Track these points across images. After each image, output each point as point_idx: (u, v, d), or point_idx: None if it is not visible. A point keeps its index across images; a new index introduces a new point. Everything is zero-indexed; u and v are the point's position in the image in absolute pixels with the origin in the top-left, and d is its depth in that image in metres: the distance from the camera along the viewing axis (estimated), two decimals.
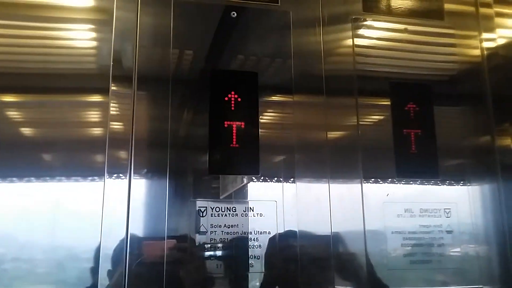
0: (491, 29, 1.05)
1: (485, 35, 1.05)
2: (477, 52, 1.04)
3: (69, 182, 0.77)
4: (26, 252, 0.74)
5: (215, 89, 0.87)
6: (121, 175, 0.79)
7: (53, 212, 0.75)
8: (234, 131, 0.85)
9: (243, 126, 0.86)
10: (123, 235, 0.76)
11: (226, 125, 0.85)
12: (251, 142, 0.86)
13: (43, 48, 0.83)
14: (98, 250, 0.75)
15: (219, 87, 0.87)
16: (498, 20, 1.06)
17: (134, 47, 0.84)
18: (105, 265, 0.75)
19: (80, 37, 0.85)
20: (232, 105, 0.87)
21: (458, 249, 0.91)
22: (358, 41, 0.97)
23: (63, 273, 0.74)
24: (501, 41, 1.04)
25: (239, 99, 0.87)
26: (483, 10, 1.06)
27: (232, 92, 0.87)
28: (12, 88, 0.80)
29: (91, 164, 0.79)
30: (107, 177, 0.78)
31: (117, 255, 0.76)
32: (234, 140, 0.85)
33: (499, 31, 1.05)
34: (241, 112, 0.87)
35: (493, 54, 1.03)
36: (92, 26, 0.86)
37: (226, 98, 0.87)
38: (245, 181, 0.85)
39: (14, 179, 0.76)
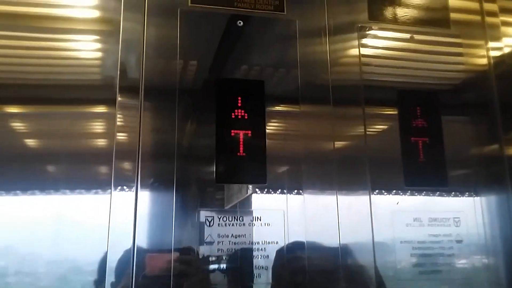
0: (497, 38, 1.05)
1: (491, 44, 1.04)
2: (483, 61, 1.04)
3: (74, 194, 0.77)
4: (28, 265, 0.73)
5: (221, 97, 0.86)
6: (127, 186, 0.78)
7: (58, 224, 0.74)
8: (241, 140, 0.85)
9: (249, 135, 0.85)
10: (130, 247, 0.76)
11: (232, 134, 0.85)
12: (258, 150, 0.85)
13: (49, 59, 0.83)
14: (103, 263, 0.74)
15: (226, 96, 0.86)
16: (504, 29, 1.06)
17: (140, 58, 0.84)
18: (111, 278, 0.74)
19: (87, 48, 0.85)
20: (239, 113, 0.86)
21: (468, 259, 0.90)
22: (364, 51, 0.96)
23: (66, 286, 0.73)
24: (507, 50, 1.05)
25: (246, 108, 0.87)
26: (489, 19, 1.06)
27: (239, 100, 0.87)
28: (18, 99, 0.80)
29: (98, 175, 0.78)
30: (114, 188, 0.77)
31: (124, 268, 0.75)
32: (241, 149, 0.84)
33: (505, 40, 1.05)
34: (248, 120, 0.86)
35: (500, 62, 1.03)
36: (99, 37, 0.85)
37: (233, 107, 0.86)
38: (249, 191, 0.84)
39: (18, 191, 0.75)
